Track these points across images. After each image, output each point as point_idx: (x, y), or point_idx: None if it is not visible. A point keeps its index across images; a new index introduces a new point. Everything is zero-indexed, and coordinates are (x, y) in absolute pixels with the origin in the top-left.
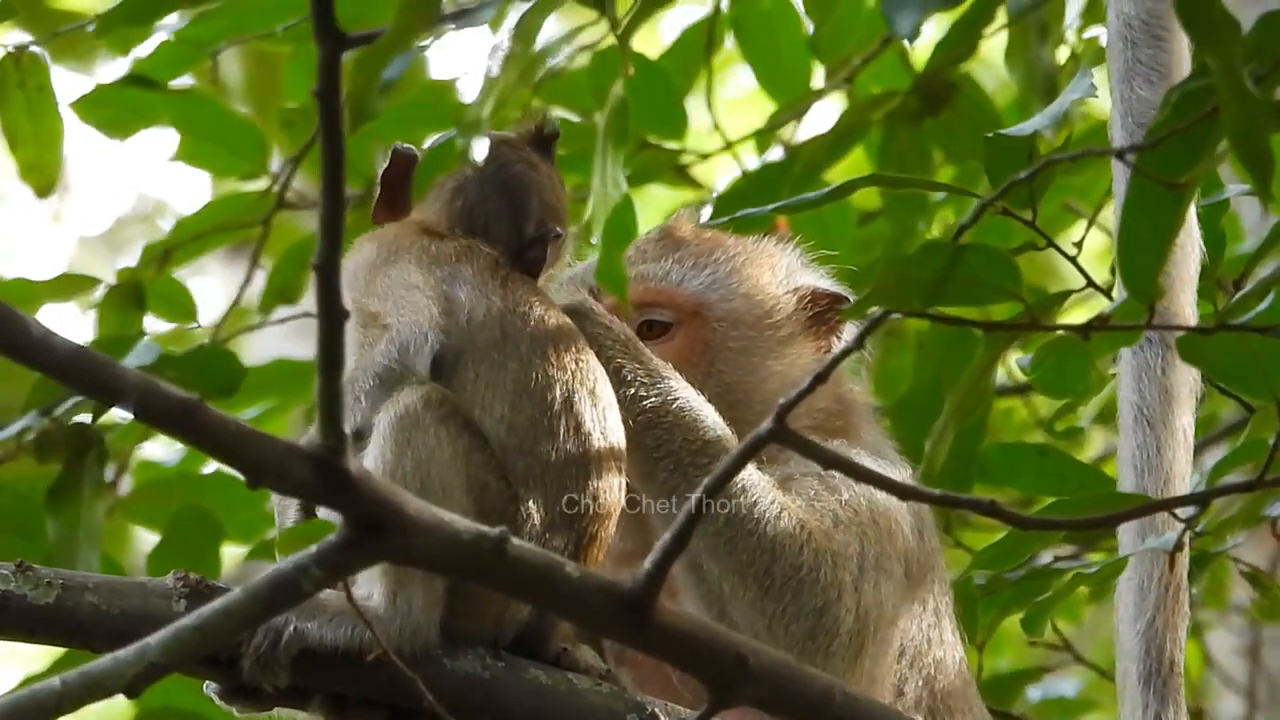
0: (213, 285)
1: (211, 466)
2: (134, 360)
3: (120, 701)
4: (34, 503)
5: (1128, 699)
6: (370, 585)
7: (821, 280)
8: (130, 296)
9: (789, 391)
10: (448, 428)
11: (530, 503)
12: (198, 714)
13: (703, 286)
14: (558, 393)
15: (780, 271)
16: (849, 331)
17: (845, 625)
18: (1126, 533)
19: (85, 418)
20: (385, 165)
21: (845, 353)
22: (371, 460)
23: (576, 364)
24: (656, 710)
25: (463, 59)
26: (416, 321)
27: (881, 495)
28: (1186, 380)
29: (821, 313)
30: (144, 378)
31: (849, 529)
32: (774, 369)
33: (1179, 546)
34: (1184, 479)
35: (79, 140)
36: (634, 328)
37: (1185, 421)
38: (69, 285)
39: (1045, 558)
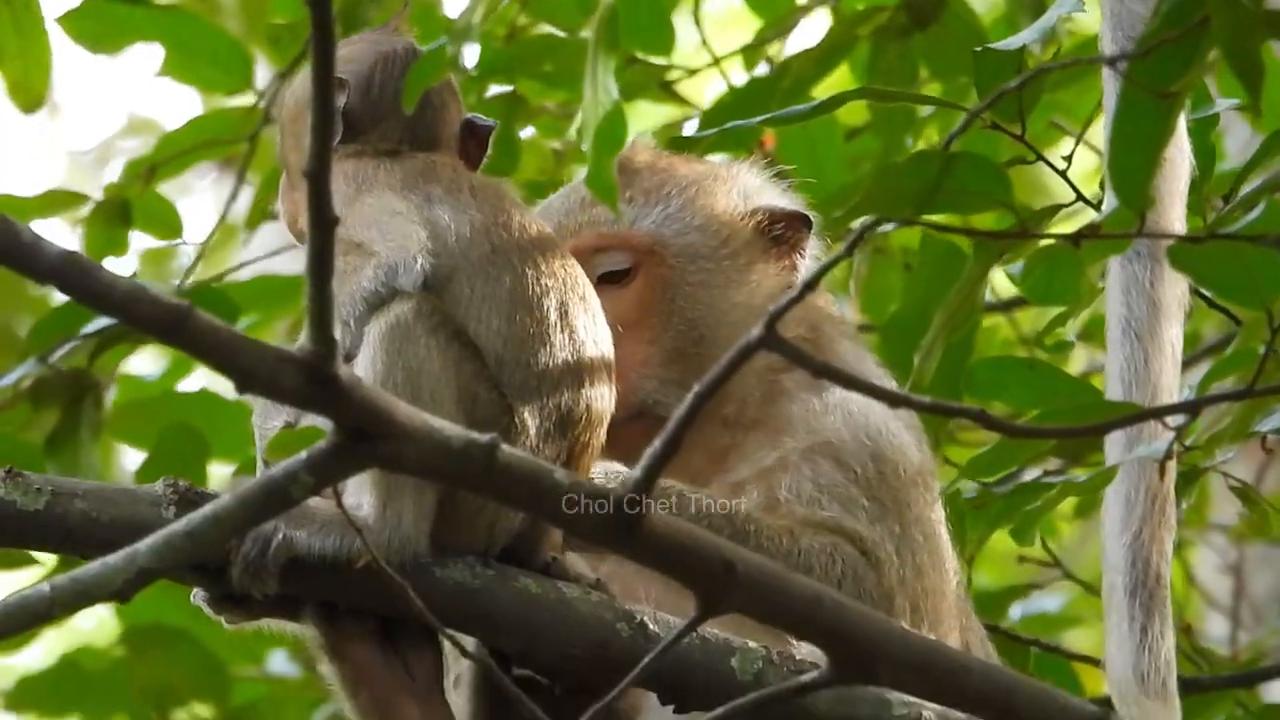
0: (200, 204)
1: (195, 383)
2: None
3: (109, 620)
4: (32, 449)
5: (1114, 611)
6: (360, 496)
7: (777, 199)
8: (117, 212)
9: (753, 323)
10: (438, 338)
11: (524, 413)
12: (185, 629)
13: (655, 224)
14: (553, 300)
15: (735, 196)
16: (814, 250)
17: (907, 615)
18: (1114, 446)
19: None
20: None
21: (835, 260)
22: (361, 371)
23: (565, 270)
24: (645, 619)
25: None
26: (404, 246)
27: (873, 421)
28: (1175, 294)
29: (781, 234)
30: (134, 284)
31: (867, 511)
32: (735, 300)
33: (1169, 455)
34: (1171, 392)
35: (68, 58)
36: (593, 281)
37: (1173, 335)
38: (57, 201)
39: (1033, 475)
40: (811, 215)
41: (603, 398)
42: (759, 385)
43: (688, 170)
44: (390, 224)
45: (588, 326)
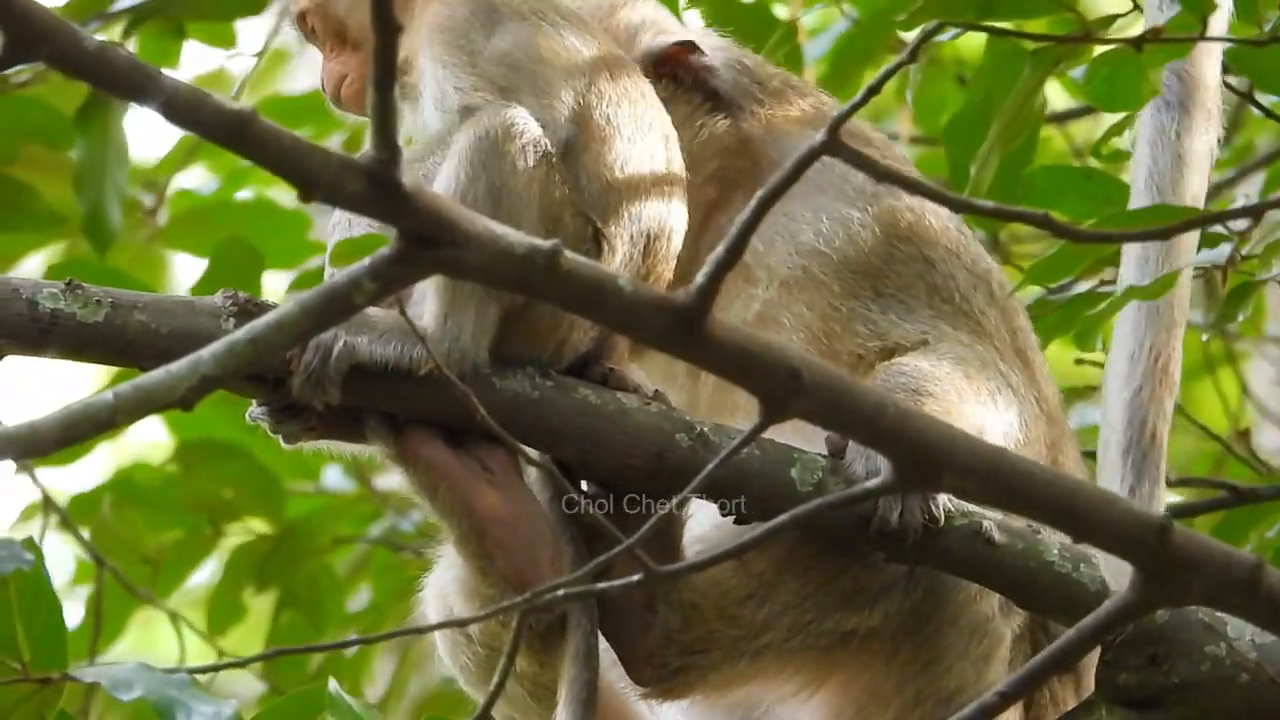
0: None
1: (246, 194)
2: None
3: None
4: (63, 118)
5: (1106, 468)
6: (422, 307)
7: (656, 38)
8: (170, 23)
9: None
10: (526, 156)
11: (613, 238)
12: (238, 445)
13: None
14: (657, 130)
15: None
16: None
17: None
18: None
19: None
20: None
21: (897, 66)
22: (444, 180)
23: (657, 102)
24: (705, 429)
25: None
26: (553, 105)
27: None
28: (1202, 147)
29: (673, 73)
30: (195, 90)
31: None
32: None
33: (1231, 261)
34: (1191, 243)
35: None
36: None
37: (1196, 189)
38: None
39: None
40: (693, 38)
41: (680, 230)
42: None
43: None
44: (538, 72)
45: (675, 159)
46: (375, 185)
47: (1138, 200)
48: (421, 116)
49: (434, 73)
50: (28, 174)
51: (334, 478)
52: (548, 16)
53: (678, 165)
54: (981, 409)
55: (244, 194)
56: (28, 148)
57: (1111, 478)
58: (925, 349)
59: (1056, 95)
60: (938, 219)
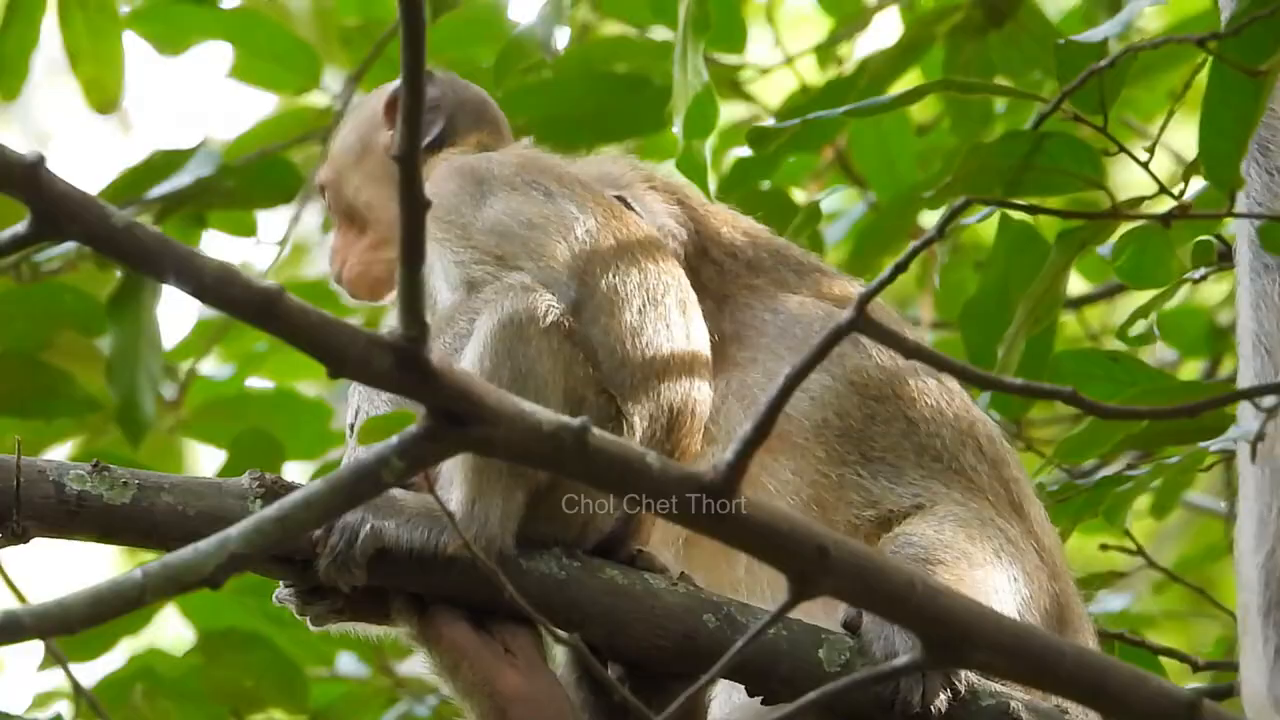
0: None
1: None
2: (193, 170)
3: (184, 628)
4: (96, 304)
5: (1248, 632)
6: (448, 491)
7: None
8: (191, 216)
9: None
10: (550, 339)
11: (634, 416)
12: (259, 634)
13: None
14: (672, 299)
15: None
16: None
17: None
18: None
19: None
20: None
21: (927, 241)
22: (468, 364)
23: (674, 268)
24: (732, 610)
25: None
26: (551, 266)
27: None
28: None
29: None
30: (224, 266)
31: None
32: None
33: (1260, 436)
34: None
35: (138, 73)
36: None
37: None
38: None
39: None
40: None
41: (705, 402)
42: None
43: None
44: (531, 237)
45: (696, 327)
46: (403, 362)
47: (1246, 365)
48: (431, 297)
49: (432, 251)
50: (58, 360)
51: (348, 664)
52: (540, 185)
53: (698, 333)
54: (992, 571)
55: (263, 383)
56: (59, 335)
57: (1254, 641)
58: (924, 513)
59: (1073, 279)
60: (916, 378)
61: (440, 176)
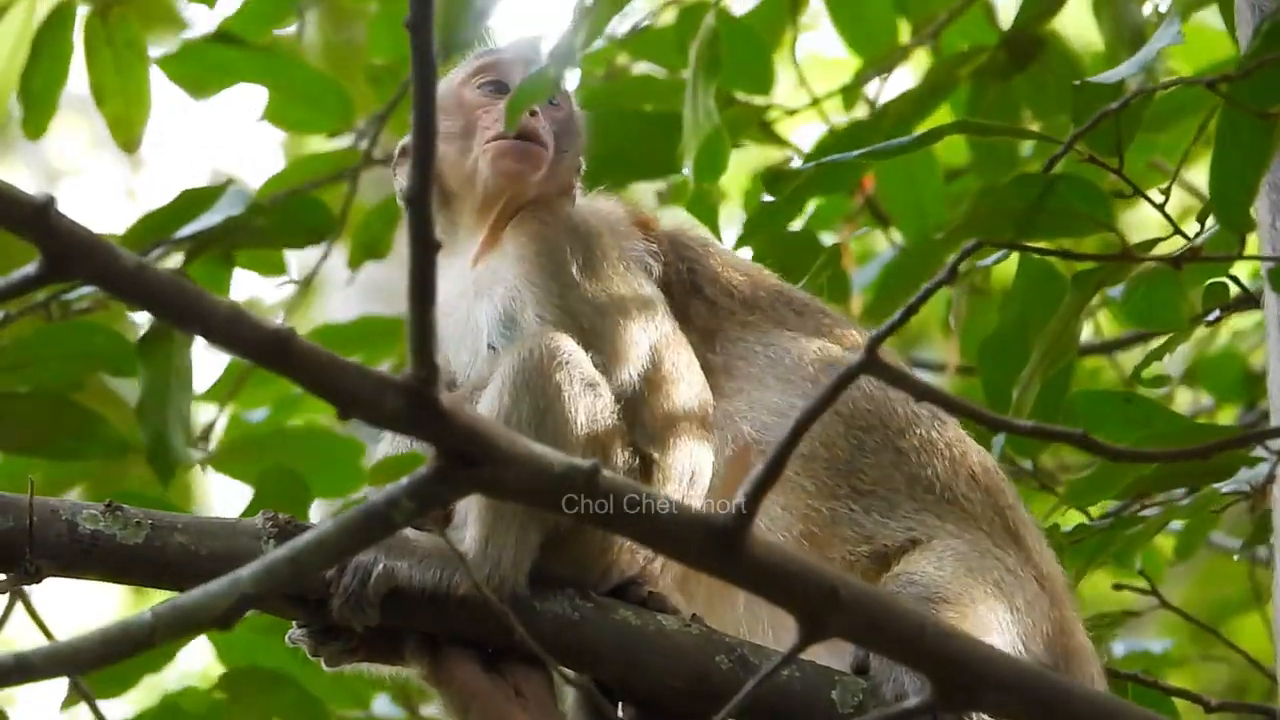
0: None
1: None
2: (223, 209)
3: (206, 663)
4: (127, 344)
5: None
6: (462, 531)
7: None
8: (220, 259)
9: None
10: (572, 381)
11: (669, 469)
12: (285, 672)
13: None
14: (696, 365)
15: None
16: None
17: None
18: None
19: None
20: None
21: (938, 284)
22: (488, 401)
23: (673, 327)
24: (745, 652)
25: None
26: (626, 358)
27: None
28: None
29: None
30: (235, 308)
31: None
32: None
33: (1270, 479)
34: None
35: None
36: None
37: None
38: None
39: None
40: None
41: (709, 465)
42: None
43: None
44: (622, 329)
45: (707, 391)
46: (413, 403)
47: (1276, 414)
48: (472, 313)
49: (518, 288)
50: (86, 401)
51: (383, 706)
52: (630, 265)
53: (708, 399)
54: (995, 605)
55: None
56: (90, 377)
57: None
58: (923, 549)
59: (1107, 321)
60: (904, 407)
61: (562, 227)
